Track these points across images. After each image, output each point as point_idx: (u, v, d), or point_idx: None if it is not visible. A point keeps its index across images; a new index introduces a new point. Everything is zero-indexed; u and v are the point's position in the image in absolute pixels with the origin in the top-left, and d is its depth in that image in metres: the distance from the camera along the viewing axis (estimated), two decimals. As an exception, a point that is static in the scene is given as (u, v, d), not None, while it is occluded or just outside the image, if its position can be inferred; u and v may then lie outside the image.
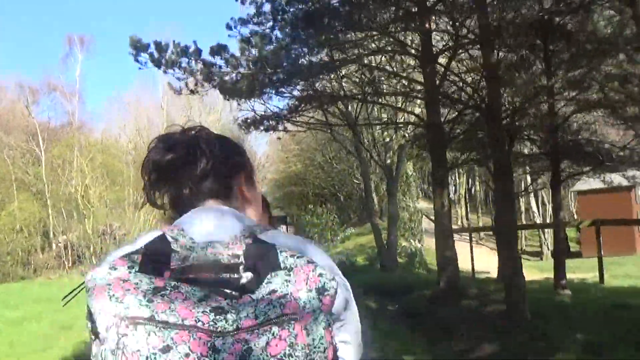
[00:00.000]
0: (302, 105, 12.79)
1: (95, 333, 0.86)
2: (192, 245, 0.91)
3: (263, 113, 13.27)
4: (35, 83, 38.37)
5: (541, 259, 28.00)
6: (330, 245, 24.86)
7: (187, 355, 0.79)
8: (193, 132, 1.10)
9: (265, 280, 0.87)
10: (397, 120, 17.73)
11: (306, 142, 30.31)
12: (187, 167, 1.06)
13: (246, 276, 0.88)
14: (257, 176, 1.20)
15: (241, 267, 0.89)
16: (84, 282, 0.89)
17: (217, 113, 36.28)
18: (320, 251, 1.00)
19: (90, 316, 0.87)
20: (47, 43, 60.62)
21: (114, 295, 0.84)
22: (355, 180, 28.41)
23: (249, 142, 32.95)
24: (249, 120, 12.94)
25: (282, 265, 0.90)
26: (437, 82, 10.75)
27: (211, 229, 0.97)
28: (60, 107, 39.17)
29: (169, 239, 0.93)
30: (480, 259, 17.54)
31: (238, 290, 0.86)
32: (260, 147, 42.31)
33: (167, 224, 1.00)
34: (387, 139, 19.47)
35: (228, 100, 13.07)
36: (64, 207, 28.09)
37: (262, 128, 13.09)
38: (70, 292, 1.00)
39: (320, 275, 0.90)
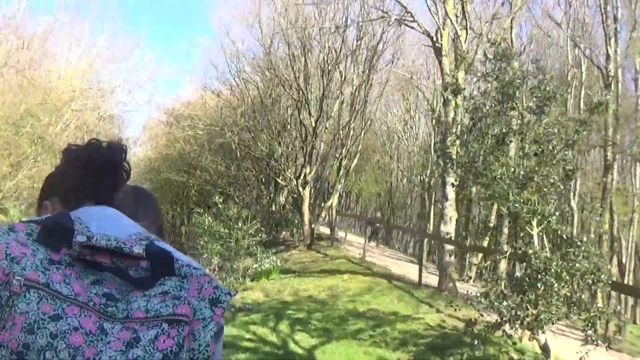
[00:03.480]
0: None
1: None
2: (90, 233, 0.92)
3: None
4: None
5: None
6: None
7: (75, 328, 0.80)
8: (112, 145, 1.21)
9: (159, 282, 0.91)
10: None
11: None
12: (107, 171, 1.18)
13: (141, 273, 0.92)
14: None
15: (138, 263, 0.93)
16: None
17: None
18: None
19: None
20: None
21: (10, 254, 0.84)
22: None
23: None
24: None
25: (176, 272, 0.93)
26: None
27: (108, 225, 1.00)
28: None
29: (73, 218, 0.96)
30: None
31: (131, 283, 0.89)
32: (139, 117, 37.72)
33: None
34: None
35: None
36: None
37: None
38: None
39: (216, 287, 0.93)
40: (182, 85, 66.82)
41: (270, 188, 24.66)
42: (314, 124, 20.04)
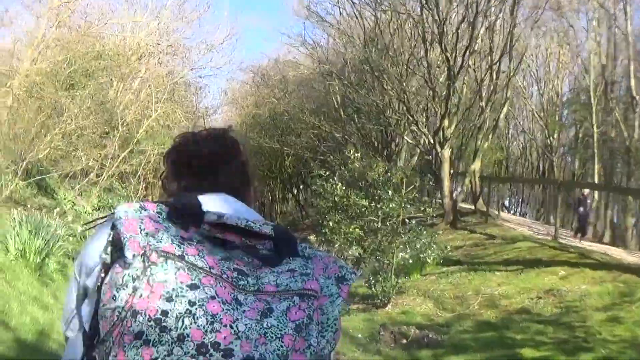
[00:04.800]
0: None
1: (115, 259, 0.88)
2: (220, 212, 0.96)
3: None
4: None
5: None
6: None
7: (212, 297, 0.83)
8: (221, 132, 1.31)
9: (285, 261, 0.93)
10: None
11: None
12: (217, 160, 1.25)
13: (267, 251, 0.95)
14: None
15: (266, 242, 0.96)
16: (111, 213, 0.92)
17: None
18: None
19: (111, 246, 0.91)
20: None
21: (144, 229, 0.88)
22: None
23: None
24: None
25: (300, 254, 0.96)
26: None
27: (229, 212, 1.01)
28: None
29: (200, 199, 0.99)
30: None
31: (260, 260, 0.92)
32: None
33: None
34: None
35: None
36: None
37: None
38: (96, 219, 1.07)
39: (341, 267, 0.97)
40: (266, 42, 61.35)
41: (388, 151, 19.72)
42: (452, 61, 14.83)
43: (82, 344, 0.95)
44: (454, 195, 15.56)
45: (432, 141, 15.48)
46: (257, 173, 24.07)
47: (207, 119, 24.30)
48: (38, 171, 10.99)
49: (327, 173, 10.39)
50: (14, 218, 6.76)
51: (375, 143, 20.46)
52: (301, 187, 27.92)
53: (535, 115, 25.07)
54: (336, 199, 9.82)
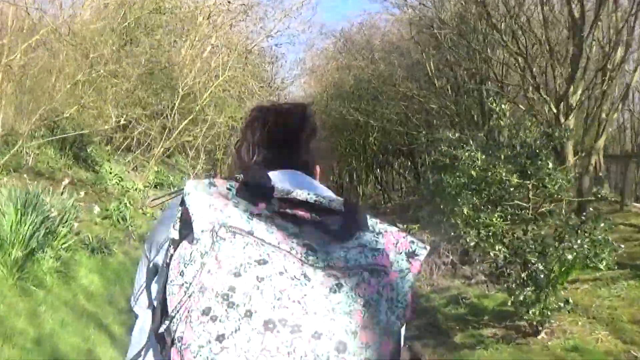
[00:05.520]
0: None
1: (184, 235, 0.87)
2: (290, 188, 0.93)
3: None
4: None
5: None
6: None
7: (281, 273, 0.82)
8: (303, 106, 1.28)
9: (355, 236, 0.91)
10: None
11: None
12: (296, 135, 1.23)
13: (336, 227, 0.91)
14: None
15: (336, 217, 0.92)
16: (180, 189, 0.93)
17: None
18: None
19: (180, 222, 0.89)
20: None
21: (213, 205, 0.87)
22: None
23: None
24: None
25: (371, 229, 0.93)
26: None
27: (299, 188, 0.97)
28: None
29: (270, 175, 0.97)
30: None
31: (330, 235, 0.90)
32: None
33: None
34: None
35: None
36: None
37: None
38: (165, 195, 1.08)
39: (412, 242, 0.93)
40: (348, 5, 56.97)
41: (489, 126, 16.74)
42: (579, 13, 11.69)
43: (150, 320, 0.93)
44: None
45: (554, 110, 12.46)
46: (336, 150, 22.00)
47: (284, 91, 22.43)
48: (74, 141, 9.20)
49: (458, 135, 7.52)
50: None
51: (475, 116, 17.53)
52: (386, 167, 25.38)
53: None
54: (474, 173, 6.72)
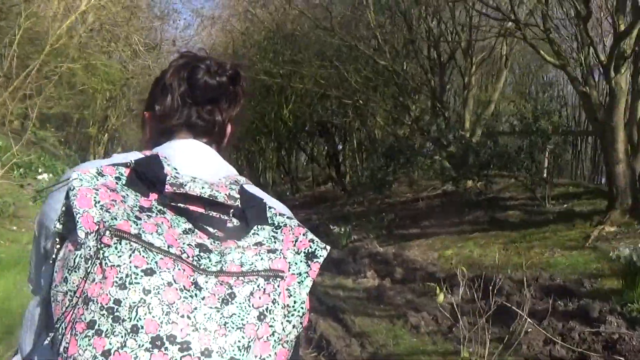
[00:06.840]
0: None
1: (65, 236, 0.81)
2: (182, 179, 0.86)
3: None
4: None
5: None
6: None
7: (169, 284, 0.75)
8: (235, 65, 1.08)
9: (252, 231, 0.85)
10: None
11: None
12: (222, 97, 1.06)
13: (233, 221, 0.86)
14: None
15: (231, 211, 0.86)
16: (66, 179, 0.85)
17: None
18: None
19: (65, 216, 0.82)
20: None
21: (99, 202, 0.79)
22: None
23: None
24: None
25: (269, 221, 0.87)
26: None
27: (196, 165, 0.95)
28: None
29: (162, 161, 0.89)
30: None
31: (224, 233, 0.84)
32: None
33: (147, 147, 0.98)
34: None
35: None
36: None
37: None
38: (54, 184, 0.94)
39: (312, 240, 0.86)
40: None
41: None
42: None
43: (39, 315, 0.88)
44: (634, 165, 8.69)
45: (601, 58, 8.49)
46: (244, 119, 17.05)
47: (182, 46, 18.22)
48: None
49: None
50: None
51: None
52: (296, 150, 20.76)
53: None
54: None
